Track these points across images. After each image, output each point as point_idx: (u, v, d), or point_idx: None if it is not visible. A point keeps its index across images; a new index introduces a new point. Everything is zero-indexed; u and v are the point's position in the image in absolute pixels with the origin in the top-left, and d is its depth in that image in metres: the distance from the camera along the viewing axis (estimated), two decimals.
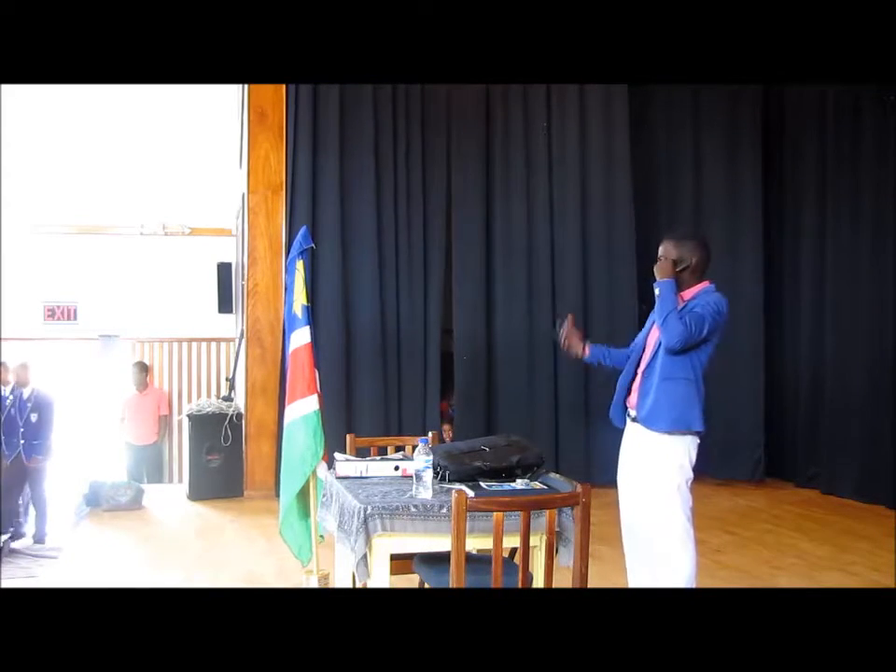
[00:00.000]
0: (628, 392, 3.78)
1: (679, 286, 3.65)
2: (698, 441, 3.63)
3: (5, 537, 7.91)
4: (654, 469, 3.60)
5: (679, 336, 3.50)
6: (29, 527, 8.50)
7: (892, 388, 6.61)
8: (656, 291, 3.63)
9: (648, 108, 7.79)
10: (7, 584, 5.45)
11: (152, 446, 8.94)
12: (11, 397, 8.38)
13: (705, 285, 3.71)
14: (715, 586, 4.62)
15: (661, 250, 3.72)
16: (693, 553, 3.59)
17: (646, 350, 3.76)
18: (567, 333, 3.87)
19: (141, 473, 8.73)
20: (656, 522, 3.59)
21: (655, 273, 3.68)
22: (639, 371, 3.75)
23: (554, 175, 7.59)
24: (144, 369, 9.18)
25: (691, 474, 3.62)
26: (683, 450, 3.60)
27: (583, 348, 3.88)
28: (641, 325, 4.00)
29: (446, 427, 7.62)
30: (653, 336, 3.72)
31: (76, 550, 5.79)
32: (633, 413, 3.73)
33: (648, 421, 3.63)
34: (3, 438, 8.03)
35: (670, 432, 3.58)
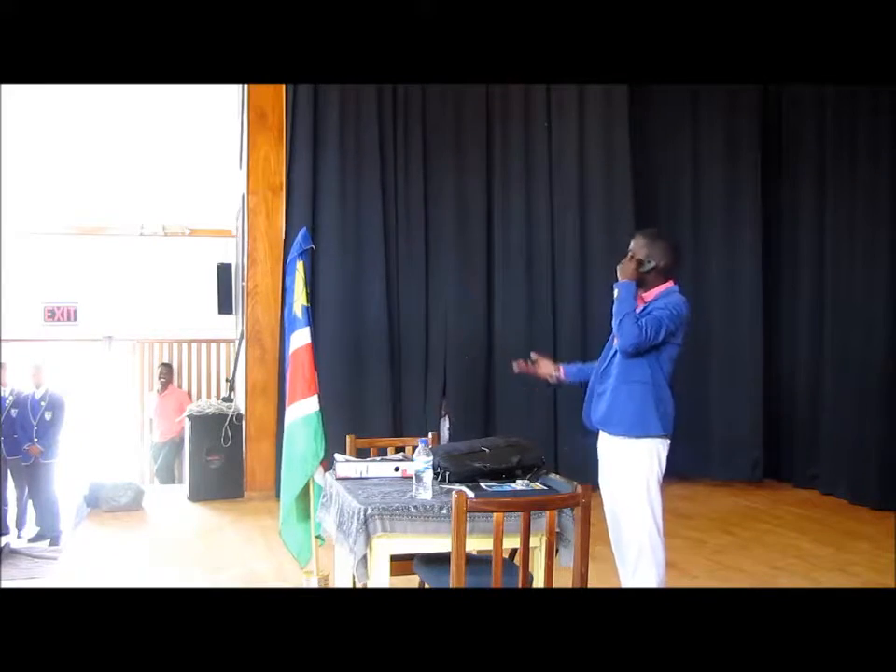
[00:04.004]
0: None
1: (643, 285, 3.61)
2: (668, 442, 3.59)
3: (5, 538, 7.91)
4: (620, 472, 3.57)
5: (632, 339, 3.46)
6: (29, 528, 8.52)
7: (891, 389, 6.61)
8: (615, 292, 3.57)
9: (648, 108, 7.79)
10: (6, 585, 5.44)
11: (171, 441, 9.00)
12: (11, 398, 8.41)
13: (668, 285, 3.65)
14: (715, 586, 4.63)
15: (632, 246, 3.67)
16: (662, 561, 3.56)
17: (610, 348, 3.73)
18: (533, 365, 3.86)
19: (170, 468, 8.90)
20: (624, 527, 3.57)
21: (618, 273, 3.62)
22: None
23: (554, 175, 7.59)
24: (166, 371, 9.32)
25: (659, 476, 3.57)
26: (646, 453, 3.55)
27: (557, 369, 3.86)
28: None
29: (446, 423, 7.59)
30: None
31: (75, 550, 5.79)
32: None
33: (603, 424, 3.63)
34: (3, 438, 8.06)
35: (627, 436, 3.56)
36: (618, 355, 3.59)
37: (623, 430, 3.56)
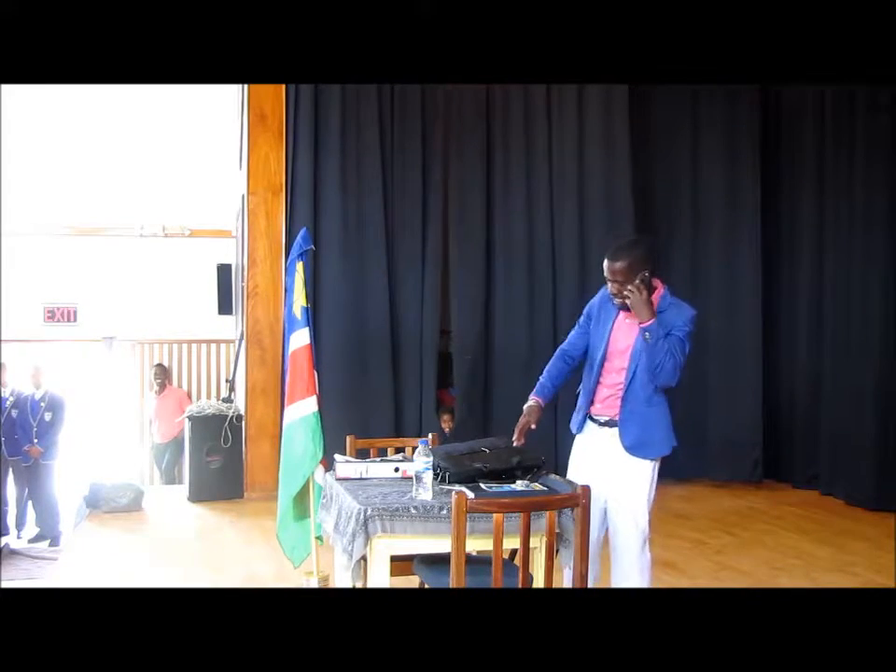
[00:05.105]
0: (592, 401, 3.61)
1: None
2: None
3: (5, 538, 7.91)
4: (632, 484, 3.52)
5: (674, 375, 3.39)
6: (29, 529, 8.52)
7: (890, 390, 6.61)
8: (645, 335, 3.36)
9: (648, 108, 7.79)
10: (6, 585, 5.44)
11: (173, 441, 8.97)
12: (12, 398, 8.41)
13: (660, 292, 3.49)
14: (715, 586, 4.62)
15: (616, 274, 3.40)
16: (650, 557, 3.58)
17: (609, 360, 3.56)
18: (528, 419, 3.56)
19: (170, 468, 8.87)
20: (626, 531, 3.55)
21: (634, 310, 3.39)
22: (603, 381, 3.57)
23: (554, 176, 7.60)
24: (161, 371, 9.29)
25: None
26: (656, 465, 3.57)
27: (539, 409, 3.60)
28: None
29: (446, 417, 7.58)
30: (617, 343, 3.53)
31: (75, 551, 5.78)
32: (601, 419, 3.58)
33: (635, 450, 3.51)
34: (3, 438, 8.06)
35: (655, 458, 3.54)
36: (637, 379, 3.48)
37: (655, 455, 3.54)
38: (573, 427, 3.73)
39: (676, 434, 3.60)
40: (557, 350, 3.77)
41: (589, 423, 3.65)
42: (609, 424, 3.58)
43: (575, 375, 3.80)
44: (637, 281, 3.38)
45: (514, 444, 3.48)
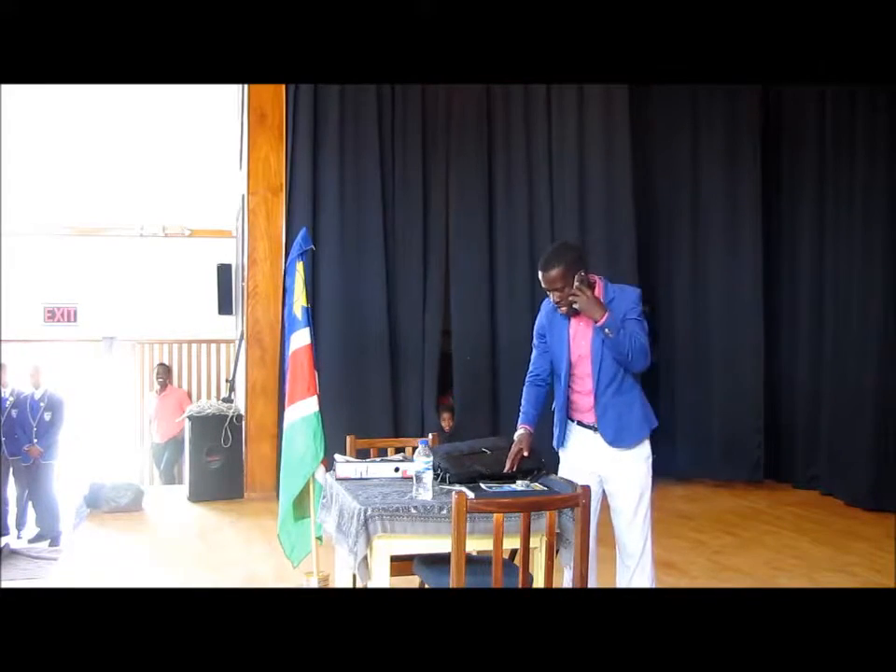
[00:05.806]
0: (574, 410, 3.60)
1: None
2: None
3: (5, 538, 7.92)
4: (633, 477, 3.53)
5: (646, 356, 3.42)
6: (29, 529, 8.52)
7: (888, 390, 6.61)
8: (606, 332, 3.36)
9: (648, 108, 7.79)
10: (6, 585, 5.44)
11: (171, 441, 8.94)
12: (12, 398, 8.42)
13: (600, 285, 3.49)
14: (715, 586, 4.62)
15: (554, 282, 3.39)
16: (653, 559, 3.60)
17: (575, 367, 3.53)
18: (519, 446, 3.48)
19: (168, 468, 8.85)
20: (633, 528, 3.55)
21: (585, 312, 3.39)
22: (576, 388, 3.55)
23: (554, 176, 7.60)
24: (163, 371, 9.26)
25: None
26: (648, 448, 3.57)
27: (529, 436, 3.55)
28: None
29: (446, 415, 7.57)
30: (579, 350, 3.51)
31: (75, 551, 5.78)
32: (594, 423, 3.54)
33: (617, 442, 3.50)
34: (3, 438, 8.07)
35: (639, 443, 3.54)
36: (603, 377, 3.48)
37: (635, 440, 3.54)
38: (556, 443, 3.70)
39: (655, 414, 3.61)
40: (526, 379, 3.74)
41: (580, 431, 3.61)
42: None
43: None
44: (577, 283, 3.38)
45: (507, 471, 3.41)
